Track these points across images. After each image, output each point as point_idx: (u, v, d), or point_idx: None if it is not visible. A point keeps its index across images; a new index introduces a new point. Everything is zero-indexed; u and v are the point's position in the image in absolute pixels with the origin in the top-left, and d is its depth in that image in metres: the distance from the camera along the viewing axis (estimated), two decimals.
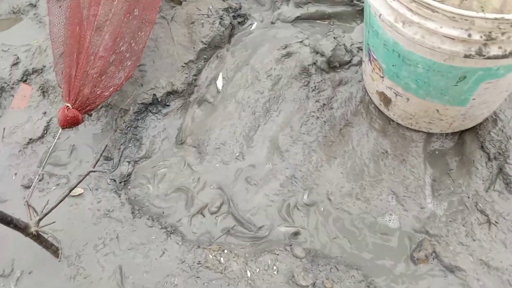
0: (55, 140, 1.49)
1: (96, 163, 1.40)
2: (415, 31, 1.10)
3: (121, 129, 1.74)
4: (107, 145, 1.59)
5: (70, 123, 1.50)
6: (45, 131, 1.77)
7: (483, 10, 1.61)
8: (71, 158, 1.71)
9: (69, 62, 1.54)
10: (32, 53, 1.91)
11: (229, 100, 1.79)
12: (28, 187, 1.65)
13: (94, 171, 1.38)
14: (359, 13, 1.90)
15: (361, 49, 1.78)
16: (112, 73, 1.61)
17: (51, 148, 1.49)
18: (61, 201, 1.35)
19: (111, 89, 1.61)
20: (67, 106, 1.51)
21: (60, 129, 1.51)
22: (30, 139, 1.75)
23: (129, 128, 1.75)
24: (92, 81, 1.54)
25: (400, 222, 1.52)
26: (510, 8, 1.51)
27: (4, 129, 1.78)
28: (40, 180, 1.66)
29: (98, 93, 1.57)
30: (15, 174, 1.69)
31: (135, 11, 1.66)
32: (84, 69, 1.53)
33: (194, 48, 1.82)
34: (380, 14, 1.15)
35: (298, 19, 1.95)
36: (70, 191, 1.35)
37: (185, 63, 1.81)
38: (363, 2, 1.86)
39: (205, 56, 1.85)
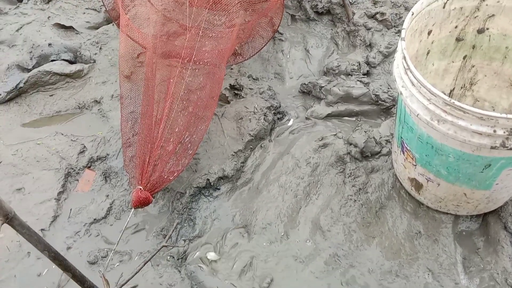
0: (128, 219, 1.68)
1: (169, 238, 1.58)
2: (448, 128, 1.36)
3: (177, 210, 1.93)
4: (178, 222, 1.77)
5: (142, 203, 1.70)
6: (108, 212, 1.95)
7: (493, 109, 1.91)
8: (133, 237, 1.88)
9: (143, 151, 1.78)
10: (98, 143, 2.16)
11: (272, 185, 2.01)
12: (94, 263, 1.80)
13: (167, 246, 1.55)
14: (384, 111, 2.20)
15: (389, 142, 2.04)
16: (177, 160, 1.85)
17: (124, 227, 1.67)
18: (136, 273, 1.50)
19: (174, 174, 1.84)
20: (140, 189, 1.72)
21: (132, 209, 1.71)
22: (95, 219, 1.93)
23: (184, 210, 1.94)
24: (161, 167, 1.77)
25: None
26: None
27: (70, 209, 1.96)
28: (104, 257, 1.81)
29: (165, 177, 1.79)
30: (82, 251, 1.84)
31: (192, 109, 1.96)
32: (156, 157, 1.77)
33: (242, 139, 2.08)
34: (418, 114, 1.42)
35: (329, 116, 2.25)
36: (145, 263, 1.51)
37: (234, 152, 2.06)
38: (387, 102, 2.17)
39: (251, 146, 2.11)
